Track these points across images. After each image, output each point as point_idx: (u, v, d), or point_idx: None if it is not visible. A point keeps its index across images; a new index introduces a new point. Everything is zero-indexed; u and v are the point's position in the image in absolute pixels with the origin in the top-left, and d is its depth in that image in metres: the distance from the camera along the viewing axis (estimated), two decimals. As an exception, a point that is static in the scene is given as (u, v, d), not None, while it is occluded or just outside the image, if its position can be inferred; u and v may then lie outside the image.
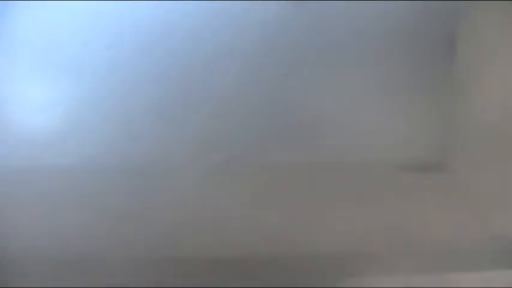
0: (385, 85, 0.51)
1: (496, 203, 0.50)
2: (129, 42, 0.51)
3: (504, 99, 0.52)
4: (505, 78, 0.52)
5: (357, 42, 0.52)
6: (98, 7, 0.52)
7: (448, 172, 0.50)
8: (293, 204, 0.50)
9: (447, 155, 0.51)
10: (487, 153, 0.51)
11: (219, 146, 0.51)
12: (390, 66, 0.51)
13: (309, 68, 0.51)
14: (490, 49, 0.52)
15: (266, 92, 0.51)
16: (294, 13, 0.51)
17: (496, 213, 0.50)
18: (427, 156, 0.51)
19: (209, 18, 0.51)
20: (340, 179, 0.50)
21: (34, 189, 0.50)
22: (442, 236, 0.49)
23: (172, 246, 0.49)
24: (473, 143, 0.51)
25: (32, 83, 0.51)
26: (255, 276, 0.49)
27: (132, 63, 0.51)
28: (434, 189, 0.50)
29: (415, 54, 0.52)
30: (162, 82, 0.51)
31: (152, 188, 0.50)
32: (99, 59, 0.51)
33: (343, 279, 0.48)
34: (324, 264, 0.48)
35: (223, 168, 0.50)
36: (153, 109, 0.51)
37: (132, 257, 0.49)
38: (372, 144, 0.51)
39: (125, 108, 0.51)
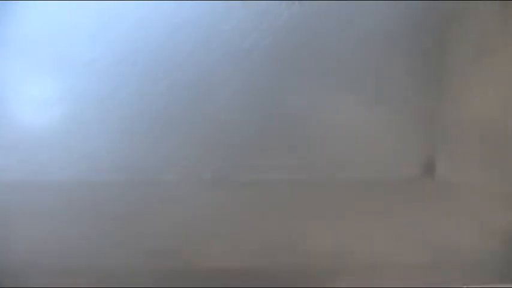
0: (378, 96, 0.52)
1: (487, 209, 0.51)
2: (126, 42, 0.51)
3: (496, 103, 0.53)
4: (497, 81, 0.53)
5: (348, 45, 0.51)
6: (97, 7, 0.51)
7: (440, 183, 0.52)
8: (285, 219, 0.51)
9: (439, 166, 0.52)
10: (477, 161, 0.52)
11: (214, 161, 0.51)
12: (383, 73, 0.52)
13: (306, 80, 0.51)
14: (482, 50, 0.52)
15: (263, 104, 0.51)
16: (291, 14, 0.51)
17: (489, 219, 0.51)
18: (419, 168, 0.52)
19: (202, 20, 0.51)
20: (334, 195, 0.51)
21: (31, 196, 0.51)
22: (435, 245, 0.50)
23: (166, 256, 0.50)
24: (465, 152, 0.52)
25: (32, 82, 0.51)
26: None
27: (129, 64, 0.51)
28: (427, 200, 0.51)
29: (408, 56, 0.52)
30: (157, 102, 0.51)
31: (147, 200, 0.51)
32: (97, 59, 0.51)
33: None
34: (313, 277, 0.50)
35: (218, 183, 0.51)
36: (150, 127, 0.51)
37: (128, 267, 0.50)
38: (365, 159, 0.52)
39: (123, 125, 0.51)
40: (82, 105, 0.51)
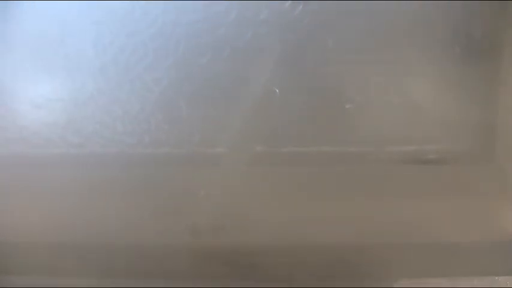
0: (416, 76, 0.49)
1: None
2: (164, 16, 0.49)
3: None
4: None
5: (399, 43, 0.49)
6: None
7: (481, 165, 0.49)
8: (339, 195, 0.49)
9: (479, 149, 0.50)
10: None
11: (260, 136, 0.50)
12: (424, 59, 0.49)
13: (343, 61, 0.49)
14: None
15: (313, 76, 0.49)
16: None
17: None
18: (457, 149, 0.50)
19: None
20: (386, 169, 0.49)
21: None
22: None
23: (211, 233, 0.48)
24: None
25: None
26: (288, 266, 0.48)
27: (168, 35, 0.49)
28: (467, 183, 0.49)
29: (449, 51, 0.49)
30: (201, 74, 0.49)
31: (193, 176, 0.50)
32: (137, 31, 0.49)
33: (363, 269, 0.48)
34: (366, 254, 0.48)
35: (264, 158, 0.49)
36: (194, 100, 0.50)
37: (168, 244, 0.49)
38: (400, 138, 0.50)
39: (165, 98, 0.50)
40: (122, 77, 0.49)
